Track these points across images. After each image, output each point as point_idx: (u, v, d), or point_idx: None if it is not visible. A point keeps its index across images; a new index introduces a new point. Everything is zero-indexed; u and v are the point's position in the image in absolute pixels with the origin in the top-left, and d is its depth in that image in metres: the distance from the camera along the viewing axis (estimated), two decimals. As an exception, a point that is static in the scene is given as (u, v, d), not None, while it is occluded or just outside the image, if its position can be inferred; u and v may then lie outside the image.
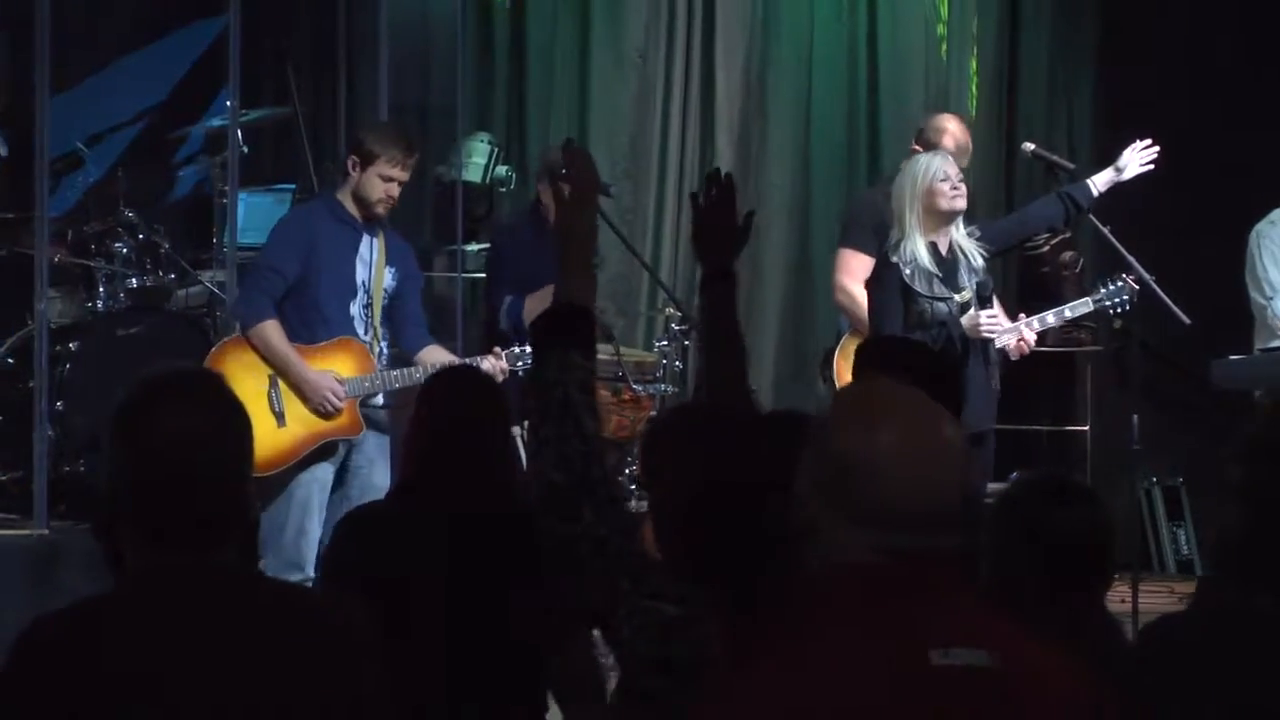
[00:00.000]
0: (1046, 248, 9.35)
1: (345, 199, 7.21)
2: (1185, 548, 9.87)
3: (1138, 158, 7.67)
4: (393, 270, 7.30)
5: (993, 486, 6.75)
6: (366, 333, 7.25)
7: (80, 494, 7.70)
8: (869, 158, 10.19)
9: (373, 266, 7.24)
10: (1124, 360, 9.10)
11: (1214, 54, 10.06)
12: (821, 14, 10.21)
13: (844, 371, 7.81)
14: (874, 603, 2.37)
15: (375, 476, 7.15)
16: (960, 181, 7.22)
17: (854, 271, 7.77)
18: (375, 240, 7.25)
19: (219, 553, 2.81)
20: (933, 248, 7.14)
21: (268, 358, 7.07)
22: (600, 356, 3.75)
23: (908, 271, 7.06)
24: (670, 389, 7.91)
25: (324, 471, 7.16)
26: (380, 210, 7.19)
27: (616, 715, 3.04)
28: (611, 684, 3.76)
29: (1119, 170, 7.67)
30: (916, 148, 7.89)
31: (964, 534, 2.42)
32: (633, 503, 7.37)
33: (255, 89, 9.35)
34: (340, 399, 7.09)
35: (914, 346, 5.43)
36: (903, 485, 2.38)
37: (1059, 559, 3.43)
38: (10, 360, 8.02)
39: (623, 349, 8.04)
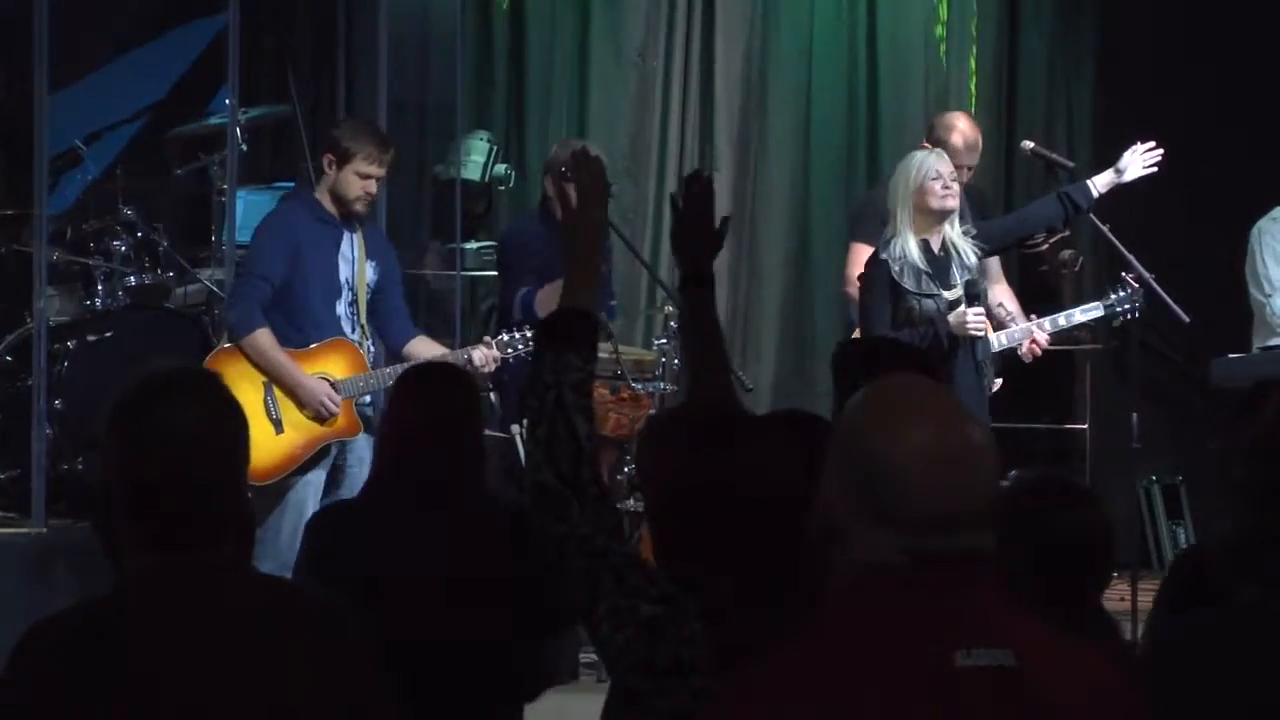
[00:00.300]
0: (1046, 247, 9.34)
1: (323, 197, 7.21)
2: (1184, 546, 9.86)
3: (1140, 160, 7.65)
4: (374, 265, 7.31)
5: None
6: (354, 331, 7.26)
7: (78, 492, 7.69)
8: (868, 157, 10.18)
9: (355, 263, 7.24)
10: (1123, 358, 9.09)
11: (1213, 54, 10.05)
12: (821, 13, 10.21)
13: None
14: (900, 605, 2.35)
15: (366, 475, 7.14)
16: (953, 180, 7.22)
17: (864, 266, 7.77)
18: (355, 236, 7.25)
19: (216, 551, 2.81)
20: (924, 245, 7.17)
21: (261, 366, 7.07)
22: (599, 355, 3.75)
23: (896, 268, 7.10)
24: (669, 387, 7.90)
25: (317, 474, 7.17)
26: (359, 208, 7.18)
27: (606, 712, 3.04)
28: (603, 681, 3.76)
29: (1119, 172, 7.66)
30: (926, 145, 7.88)
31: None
32: (631, 502, 7.38)
33: (254, 87, 9.34)
34: (336, 403, 7.09)
35: (900, 348, 5.42)
36: (933, 488, 2.36)
37: (1057, 559, 3.42)
38: (9, 358, 8.00)
39: (622, 347, 8.04)
